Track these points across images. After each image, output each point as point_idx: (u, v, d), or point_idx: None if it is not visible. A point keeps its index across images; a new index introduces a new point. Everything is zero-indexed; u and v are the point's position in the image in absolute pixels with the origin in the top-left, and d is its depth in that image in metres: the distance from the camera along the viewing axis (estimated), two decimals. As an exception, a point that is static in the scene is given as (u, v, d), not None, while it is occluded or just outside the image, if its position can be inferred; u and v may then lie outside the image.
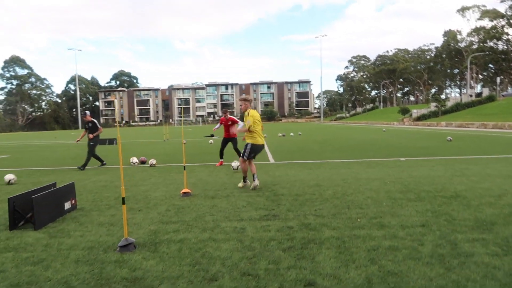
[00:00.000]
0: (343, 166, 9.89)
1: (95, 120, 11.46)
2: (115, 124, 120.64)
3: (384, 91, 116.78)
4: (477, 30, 79.04)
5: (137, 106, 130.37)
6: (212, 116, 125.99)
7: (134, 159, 11.69)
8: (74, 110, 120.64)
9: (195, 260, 3.49)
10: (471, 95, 59.91)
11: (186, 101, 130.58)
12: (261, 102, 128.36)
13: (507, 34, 75.00)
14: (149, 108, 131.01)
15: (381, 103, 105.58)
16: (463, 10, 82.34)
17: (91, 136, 11.17)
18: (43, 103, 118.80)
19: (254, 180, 6.97)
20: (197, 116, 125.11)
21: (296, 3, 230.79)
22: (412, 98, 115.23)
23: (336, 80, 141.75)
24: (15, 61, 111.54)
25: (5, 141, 34.79)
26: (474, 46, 79.92)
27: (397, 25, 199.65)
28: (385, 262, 3.32)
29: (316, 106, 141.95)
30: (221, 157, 11.15)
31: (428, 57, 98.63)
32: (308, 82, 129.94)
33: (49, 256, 3.72)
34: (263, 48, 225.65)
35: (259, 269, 3.24)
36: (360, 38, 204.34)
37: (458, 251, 3.53)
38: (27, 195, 4.87)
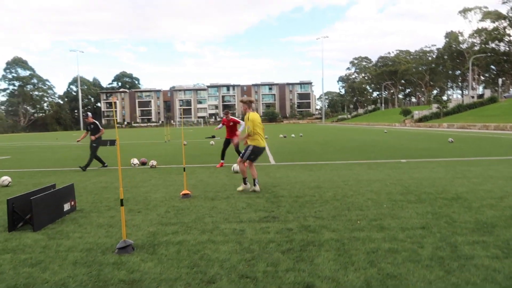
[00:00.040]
0: (344, 168, 9.86)
1: (96, 122, 11.47)
2: (117, 125, 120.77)
3: (386, 92, 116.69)
4: (479, 32, 78.90)
5: (138, 107, 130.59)
6: (213, 117, 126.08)
7: (135, 160, 11.69)
8: (76, 111, 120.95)
9: (193, 262, 3.47)
10: (473, 97, 59.79)
11: (188, 102, 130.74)
12: (262, 103, 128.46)
13: (509, 35, 74.89)
14: (150, 109, 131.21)
15: (383, 105, 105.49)
16: (464, 11, 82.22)
17: (93, 137, 11.18)
18: (45, 104, 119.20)
19: (254, 185, 6.87)
20: (199, 117, 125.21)
21: (297, 4, 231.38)
22: (413, 100, 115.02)
23: (337, 81, 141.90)
24: (17, 62, 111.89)
25: (7, 142, 34.86)
26: (476, 48, 79.76)
27: (398, 26, 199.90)
28: (385, 264, 3.30)
29: (318, 107, 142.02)
30: (223, 158, 11.20)
31: (430, 58, 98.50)
32: (309, 83, 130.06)
33: (47, 257, 3.71)
34: (265, 50, 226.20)
35: (258, 272, 3.22)
36: (362, 39, 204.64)
37: (458, 254, 3.50)
38: (26, 197, 4.86)
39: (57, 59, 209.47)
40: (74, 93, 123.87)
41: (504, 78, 79.31)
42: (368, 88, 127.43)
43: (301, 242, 3.95)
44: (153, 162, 11.17)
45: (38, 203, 4.71)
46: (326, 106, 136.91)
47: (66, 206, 5.45)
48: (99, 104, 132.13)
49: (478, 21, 79.81)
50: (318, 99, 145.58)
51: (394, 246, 3.75)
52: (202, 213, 5.34)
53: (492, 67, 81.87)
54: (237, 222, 4.79)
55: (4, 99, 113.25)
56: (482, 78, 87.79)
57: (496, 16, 74.44)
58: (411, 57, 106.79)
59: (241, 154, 7.08)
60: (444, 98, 78.91)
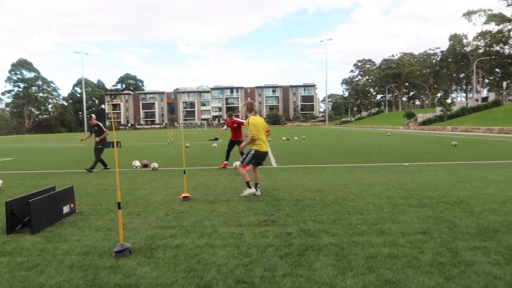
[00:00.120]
0: (346, 171, 9.81)
1: (100, 124, 11.48)
2: (121, 127, 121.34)
3: (390, 95, 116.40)
4: (483, 34, 78.55)
5: (142, 109, 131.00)
6: (217, 119, 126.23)
7: (137, 162, 11.68)
8: (80, 113, 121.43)
9: (190, 267, 3.44)
10: (477, 100, 59.47)
11: (191, 105, 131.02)
12: (266, 105, 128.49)
13: (514, 38, 74.53)
14: (154, 111, 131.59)
15: (386, 107, 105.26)
16: (469, 14, 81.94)
17: (97, 139, 11.21)
18: (50, 106, 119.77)
19: (256, 189, 6.72)
20: (202, 119, 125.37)
21: (302, 6, 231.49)
22: (417, 102, 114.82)
23: (341, 84, 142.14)
24: (22, 64, 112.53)
25: (11, 144, 35.02)
26: (480, 50, 79.45)
27: (402, 29, 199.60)
28: (384, 270, 3.25)
29: (321, 110, 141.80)
30: (227, 159, 11.30)
31: (434, 61, 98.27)
32: (313, 85, 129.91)
33: (44, 261, 3.69)
34: (268, 52, 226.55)
35: (255, 277, 3.19)
36: (366, 42, 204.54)
37: (459, 260, 3.45)
38: (25, 199, 4.84)
39: (61, 61, 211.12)
40: (79, 95, 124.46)
41: (508, 81, 78.95)
42: (372, 91, 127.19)
43: (300, 247, 3.91)
44: (154, 165, 11.16)
45: (36, 206, 4.69)
46: (330, 108, 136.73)
47: (66, 209, 5.44)
48: (103, 106, 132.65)
49: (482, 24, 79.54)
50: (321, 101, 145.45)
51: (393, 251, 3.71)
52: (201, 216, 5.31)
53: (497, 70, 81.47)
54: (236, 226, 4.75)
55: (9, 100, 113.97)
56: (487, 81, 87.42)
57: (501, 18, 74.11)
58: (415, 59, 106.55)
59: (242, 159, 6.88)
60: (448, 101, 78.70)
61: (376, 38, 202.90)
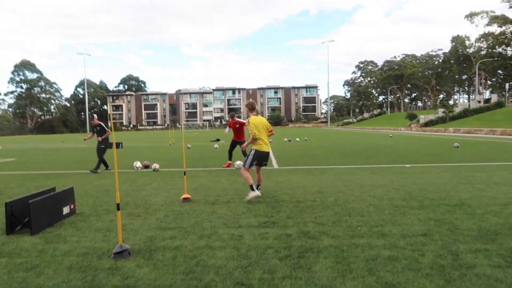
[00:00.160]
0: (347, 172, 9.78)
1: (102, 123, 11.50)
2: (123, 127, 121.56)
3: (392, 96, 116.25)
4: (485, 36, 78.42)
5: (144, 110, 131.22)
6: (219, 120, 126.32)
7: (138, 163, 11.68)
8: (82, 113, 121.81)
9: (189, 269, 3.43)
10: (479, 101, 59.35)
11: (194, 106, 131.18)
12: (268, 106, 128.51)
13: (516, 40, 74.37)
14: (156, 112, 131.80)
15: (389, 109, 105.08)
16: (471, 16, 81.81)
17: (100, 139, 11.23)
18: (52, 107, 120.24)
19: (257, 190, 6.51)
20: (204, 120, 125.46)
21: (304, 8, 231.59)
22: (419, 104, 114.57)
23: (343, 85, 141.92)
24: (25, 65, 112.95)
25: (13, 144, 35.11)
26: (483, 52, 79.29)
27: (404, 30, 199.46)
28: (383, 273, 3.23)
29: (323, 111, 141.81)
30: (230, 158, 11.37)
31: (436, 62, 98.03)
32: (315, 87, 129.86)
33: (42, 262, 3.68)
34: (270, 53, 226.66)
35: (254, 279, 3.17)
36: (368, 43, 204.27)
37: (460, 262, 3.43)
38: (25, 200, 4.84)
39: (64, 62, 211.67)
40: (81, 96, 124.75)
41: (511, 83, 78.77)
42: (374, 92, 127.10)
43: (299, 249, 3.89)
44: (155, 166, 11.16)
45: (36, 207, 4.69)
46: (332, 110, 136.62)
47: (66, 210, 5.44)
48: (105, 107, 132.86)
49: (484, 25, 79.42)
50: (323, 103, 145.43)
51: (394, 253, 3.68)
52: (201, 217, 5.30)
53: (499, 71, 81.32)
54: (236, 227, 4.74)
55: (11, 101, 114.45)
56: (489, 82, 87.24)
57: (503, 20, 73.99)
58: (417, 61, 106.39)
59: (244, 161, 6.71)
60: (451, 102, 78.54)
61: (378, 39, 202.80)
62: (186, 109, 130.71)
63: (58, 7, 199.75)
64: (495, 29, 76.95)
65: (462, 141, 23.10)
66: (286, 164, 12.35)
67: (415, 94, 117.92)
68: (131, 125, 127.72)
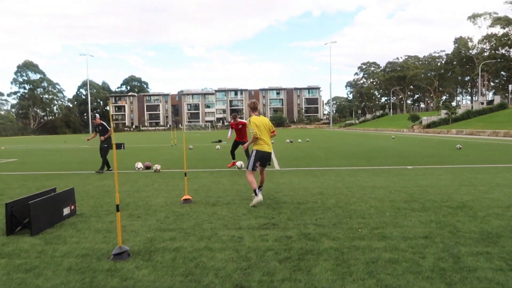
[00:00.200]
0: (349, 174, 9.74)
1: (104, 123, 11.52)
2: (125, 128, 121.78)
3: (394, 98, 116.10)
4: (488, 37, 78.25)
5: (147, 111, 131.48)
6: (221, 121, 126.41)
7: (139, 164, 11.68)
8: (85, 114, 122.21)
9: (188, 270, 3.41)
10: (482, 103, 59.19)
11: (196, 107, 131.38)
12: (270, 108, 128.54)
13: (520, 41, 74.13)
14: (159, 113, 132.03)
15: (391, 110, 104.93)
16: (474, 17, 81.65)
17: (102, 138, 11.26)
18: (55, 108, 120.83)
19: (258, 190, 6.32)
20: (206, 121, 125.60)
21: (306, 9, 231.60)
22: (422, 105, 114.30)
23: (345, 86, 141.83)
24: (28, 66, 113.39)
25: (16, 145, 35.21)
26: (486, 53, 79.11)
27: (407, 31, 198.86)
28: (384, 275, 3.20)
29: (326, 112, 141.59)
30: (233, 157, 11.54)
31: (439, 64, 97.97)
32: (317, 88, 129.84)
33: (42, 263, 3.67)
34: (273, 54, 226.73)
35: (253, 281, 3.15)
36: (370, 45, 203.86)
37: (461, 265, 3.40)
38: (25, 200, 4.84)
39: (67, 63, 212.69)
40: (84, 97, 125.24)
41: (514, 84, 78.47)
42: (376, 94, 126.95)
43: (299, 251, 3.86)
44: (157, 167, 11.15)
45: (36, 207, 4.68)
46: (334, 111, 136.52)
47: (66, 211, 5.43)
48: (107, 108, 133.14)
49: (487, 27, 79.30)
50: (326, 104, 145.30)
51: (394, 256, 3.66)
52: (201, 219, 5.28)
53: (502, 73, 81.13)
54: (236, 229, 4.72)
55: (14, 102, 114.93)
56: (492, 84, 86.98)
57: (506, 22, 73.82)
58: (420, 62, 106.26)
59: (247, 165, 6.56)
60: (453, 104, 78.20)
61: (380, 41, 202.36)
62: (188, 110, 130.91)
63: (60, 8, 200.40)
64: (498, 30, 76.86)
65: (465, 143, 23.01)
66: (288, 165, 12.33)
67: (417, 96, 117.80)
68: (134, 126, 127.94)
